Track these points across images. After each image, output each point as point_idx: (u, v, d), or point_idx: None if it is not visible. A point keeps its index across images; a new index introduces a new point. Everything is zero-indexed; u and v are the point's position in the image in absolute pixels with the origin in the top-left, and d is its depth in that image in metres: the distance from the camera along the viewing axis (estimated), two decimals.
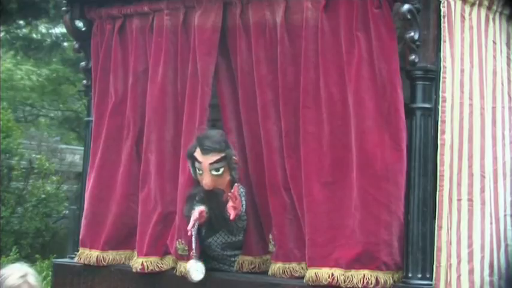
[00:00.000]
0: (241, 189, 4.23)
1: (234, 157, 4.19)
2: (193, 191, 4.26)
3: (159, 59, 4.48)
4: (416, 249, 3.73)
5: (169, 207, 4.39)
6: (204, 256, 4.28)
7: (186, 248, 4.23)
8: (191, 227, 4.10)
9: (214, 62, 4.35)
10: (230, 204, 4.07)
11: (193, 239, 4.12)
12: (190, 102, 4.36)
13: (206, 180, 4.15)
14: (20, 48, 12.92)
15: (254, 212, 4.29)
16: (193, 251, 4.12)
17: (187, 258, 4.22)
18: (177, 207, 4.31)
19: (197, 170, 4.19)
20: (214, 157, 4.13)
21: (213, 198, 4.17)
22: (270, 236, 4.21)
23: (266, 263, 4.28)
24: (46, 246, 10.61)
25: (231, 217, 4.06)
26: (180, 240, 4.25)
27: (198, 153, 4.16)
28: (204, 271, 4.13)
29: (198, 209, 4.12)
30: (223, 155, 4.14)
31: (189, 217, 4.16)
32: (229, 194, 4.09)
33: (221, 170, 4.14)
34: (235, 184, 4.16)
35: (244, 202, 4.21)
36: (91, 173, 4.68)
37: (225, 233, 4.28)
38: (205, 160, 4.13)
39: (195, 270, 4.11)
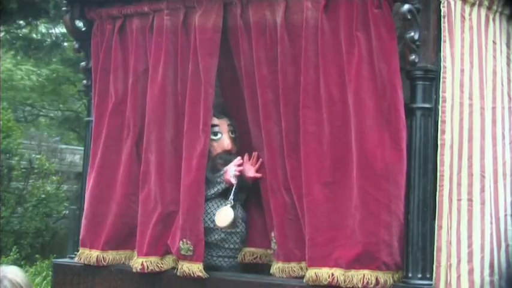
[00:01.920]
0: None
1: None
2: (209, 172, 4.40)
3: (159, 59, 4.48)
4: (416, 249, 3.73)
5: (169, 207, 4.40)
6: (210, 252, 4.34)
7: (191, 249, 4.24)
8: (239, 172, 4.33)
9: (216, 63, 4.35)
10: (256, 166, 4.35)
11: (233, 190, 4.33)
12: (192, 103, 4.36)
13: (227, 141, 4.46)
14: (20, 48, 12.91)
15: (260, 207, 4.33)
16: (232, 198, 4.33)
17: (190, 258, 4.24)
18: (181, 208, 4.32)
19: (213, 136, 4.43)
20: (227, 121, 4.47)
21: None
22: (272, 234, 4.23)
23: (268, 256, 4.33)
24: (46, 246, 10.63)
25: (259, 176, 4.32)
26: (184, 240, 4.26)
27: (212, 119, 4.40)
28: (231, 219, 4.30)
29: (235, 162, 4.37)
30: (230, 120, 4.48)
31: (219, 180, 4.37)
32: (249, 162, 4.38)
33: (234, 131, 4.47)
34: (246, 154, 4.41)
35: None
36: (91, 173, 4.68)
37: (241, 208, 4.42)
38: (221, 122, 4.45)
39: (224, 215, 4.32)
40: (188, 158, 4.33)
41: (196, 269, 4.21)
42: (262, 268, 4.37)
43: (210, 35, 4.34)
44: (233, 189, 4.34)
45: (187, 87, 4.41)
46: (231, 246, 4.37)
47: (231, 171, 4.35)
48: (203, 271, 4.21)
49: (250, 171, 4.36)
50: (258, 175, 4.32)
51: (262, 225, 4.38)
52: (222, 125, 4.44)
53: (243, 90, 4.38)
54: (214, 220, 4.34)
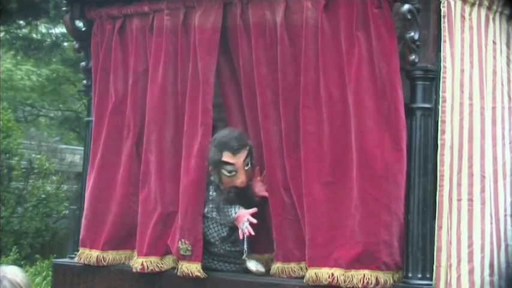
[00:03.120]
0: None
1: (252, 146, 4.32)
2: (215, 196, 4.31)
3: (159, 59, 4.48)
4: (416, 249, 3.73)
5: (169, 207, 4.40)
6: (211, 256, 4.33)
7: (189, 249, 4.24)
8: (249, 232, 4.15)
9: (215, 62, 4.35)
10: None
11: (245, 241, 4.20)
12: (192, 102, 4.37)
13: (242, 179, 4.26)
14: (20, 48, 12.92)
15: (261, 211, 4.30)
16: (246, 251, 4.20)
17: (189, 258, 4.24)
18: (180, 208, 4.31)
19: (227, 173, 4.25)
20: (244, 153, 4.25)
21: (245, 194, 4.29)
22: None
23: (271, 261, 4.30)
24: (46, 246, 10.62)
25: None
26: (183, 240, 4.26)
27: (227, 156, 4.24)
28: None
29: (250, 211, 4.19)
30: (248, 148, 4.27)
31: (229, 222, 4.25)
32: (259, 179, 4.29)
33: (249, 163, 4.29)
34: (257, 167, 4.29)
35: None
36: (91, 173, 4.68)
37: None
38: (237, 160, 4.24)
39: (257, 264, 4.22)
40: (187, 158, 4.33)
41: (194, 269, 4.21)
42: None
43: (209, 35, 4.34)
44: (245, 241, 4.20)
45: (187, 87, 4.40)
46: (233, 259, 4.35)
47: (243, 225, 4.18)
48: (201, 271, 4.20)
49: (260, 191, 4.28)
50: (268, 195, 4.21)
51: (266, 230, 4.34)
52: (238, 163, 4.23)
53: (241, 90, 4.37)
54: (215, 237, 4.30)
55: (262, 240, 4.35)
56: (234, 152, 4.24)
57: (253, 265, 4.21)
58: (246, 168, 4.27)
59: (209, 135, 4.31)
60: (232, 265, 4.36)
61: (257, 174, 4.32)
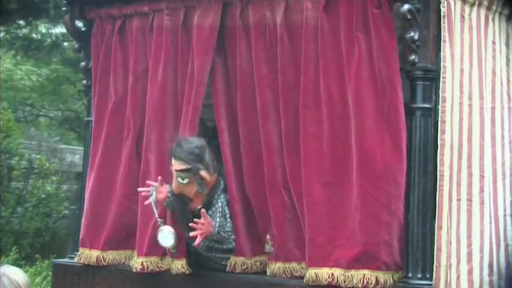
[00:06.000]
0: (222, 200, 4.24)
1: (201, 172, 4.17)
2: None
3: (159, 59, 4.49)
4: (416, 249, 3.73)
5: None
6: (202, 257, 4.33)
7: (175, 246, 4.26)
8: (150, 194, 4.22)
9: (210, 62, 4.34)
10: (198, 232, 4.09)
11: (154, 208, 4.22)
12: (188, 101, 4.37)
13: (173, 185, 4.23)
14: (20, 48, 12.91)
15: (246, 213, 4.28)
16: (157, 217, 4.21)
17: (176, 256, 4.28)
18: None
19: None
20: (181, 166, 4.16)
21: (181, 203, 4.26)
22: (268, 237, 4.21)
23: (257, 264, 4.27)
24: (46, 246, 10.61)
25: (196, 243, 4.12)
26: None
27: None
28: (174, 237, 4.19)
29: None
30: (188, 167, 4.15)
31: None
32: (200, 217, 4.09)
33: (186, 180, 4.17)
34: (203, 210, 4.12)
35: (227, 212, 4.24)
36: (91, 173, 4.69)
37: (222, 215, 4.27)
38: (174, 166, 4.20)
39: (165, 237, 4.21)
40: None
41: (180, 265, 4.24)
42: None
43: (206, 34, 4.34)
44: (154, 208, 4.24)
45: (186, 86, 4.40)
46: (212, 262, 4.35)
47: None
48: (185, 266, 4.23)
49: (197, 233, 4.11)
50: (197, 243, 4.14)
51: (252, 232, 4.30)
52: (173, 168, 4.19)
53: (235, 91, 4.35)
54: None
55: (247, 243, 4.28)
56: (173, 156, 4.18)
57: (163, 236, 4.20)
58: (180, 180, 4.17)
59: (195, 134, 4.30)
60: (218, 265, 4.34)
61: (203, 215, 4.09)
